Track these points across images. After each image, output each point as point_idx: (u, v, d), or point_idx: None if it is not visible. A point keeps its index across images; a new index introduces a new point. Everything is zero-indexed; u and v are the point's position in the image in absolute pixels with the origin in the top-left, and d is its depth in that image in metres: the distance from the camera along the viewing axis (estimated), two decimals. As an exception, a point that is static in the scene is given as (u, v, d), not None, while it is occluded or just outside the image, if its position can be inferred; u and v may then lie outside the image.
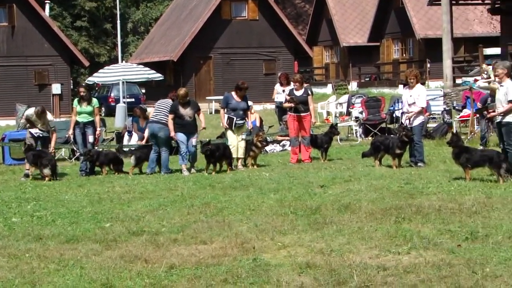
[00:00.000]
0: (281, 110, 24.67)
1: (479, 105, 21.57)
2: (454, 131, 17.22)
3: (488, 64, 37.98)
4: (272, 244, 10.24)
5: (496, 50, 40.41)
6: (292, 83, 21.17)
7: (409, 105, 17.88)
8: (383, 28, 55.58)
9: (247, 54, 51.30)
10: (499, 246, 9.35)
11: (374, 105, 25.95)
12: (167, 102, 19.42)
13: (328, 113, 31.94)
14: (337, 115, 30.19)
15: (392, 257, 9.16)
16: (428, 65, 48.56)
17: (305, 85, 20.82)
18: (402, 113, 19.02)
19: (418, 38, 51.45)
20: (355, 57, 57.71)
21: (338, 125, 23.88)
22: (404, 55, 55.08)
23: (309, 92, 20.39)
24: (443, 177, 15.50)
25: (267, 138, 21.65)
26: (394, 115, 25.36)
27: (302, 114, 19.67)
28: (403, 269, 8.57)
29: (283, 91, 24.17)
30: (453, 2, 36.43)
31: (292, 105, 19.66)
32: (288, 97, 20.07)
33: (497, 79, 16.11)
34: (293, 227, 11.20)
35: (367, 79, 55.81)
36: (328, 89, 55.80)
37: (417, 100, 17.68)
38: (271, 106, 34.85)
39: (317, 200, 13.27)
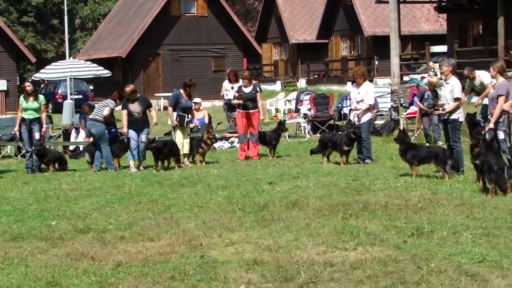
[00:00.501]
0: (229, 107, 24.66)
1: (416, 99, 21.84)
2: (401, 128, 17.38)
3: (435, 62, 38.44)
4: (220, 241, 10.23)
5: (443, 48, 40.84)
6: (240, 80, 21.18)
7: (357, 102, 17.99)
8: (331, 25, 55.87)
9: (196, 51, 51.14)
10: (444, 242, 9.45)
11: (322, 102, 26.10)
12: (107, 101, 19.50)
13: (277, 110, 31.99)
14: (286, 112, 30.25)
15: (339, 253, 9.20)
16: (376, 62, 48.97)
17: (253, 82, 20.84)
18: (350, 110, 19.13)
19: (366, 36, 51.82)
20: (304, 54, 57.94)
21: (287, 122, 23.96)
22: (352, 52, 55.43)
23: (258, 89, 20.46)
24: (390, 174, 15.63)
25: (216, 135, 21.64)
26: (342, 112, 25.54)
27: (250, 111, 19.71)
28: (349, 265, 8.62)
29: (232, 88, 24.15)
30: (401, 0, 36.71)
31: (241, 102, 19.68)
32: (236, 94, 20.09)
33: (443, 76, 16.30)
34: (241, 224, 11.20)
35: (316, 76, 56.04)
36: (277, 86, 55.93)
37: (365, 97, 17.81)
38: (219, 103, 34.81)
39: (265, 197, 13.29)
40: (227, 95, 24.70)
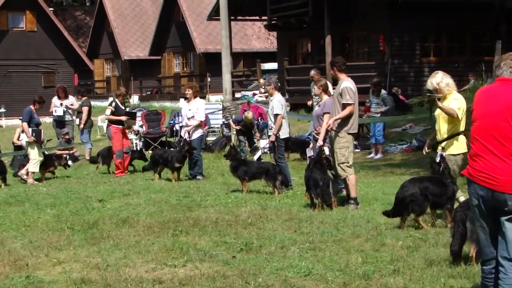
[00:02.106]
0: (58, 123, 24.24)
1: (232, 121, 22.27)
2: (232, 145, 17.54)
3: (265, 79, 39.16)
4: (47, 260, 9.97)
5: (274, 65, 41.71)
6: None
7: (188, 118, 18.06)
8: (164, 42, 55.88)
9: (25, 66, 49.87)
10: (272, 256, 9.59)
11: (154, 118, 26.00)
12: None
13: (109, 127, 31.57)
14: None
15: (168, 270, 9.17)
16: (209, 79, 49.34)
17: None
18: (181, 126, 19.18)
19: (198, 53, 52.15)
20: (136, 70, 57.69)
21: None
22: (185, 69, 55.64)
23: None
24: (221, 190, 15.76)
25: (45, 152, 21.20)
26: (174, 129, 25.53)
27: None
28: (178, 281, 8.59)
29: (61, 104, 23.81)
30: (232, 17, 37.18)
31: (124, 118, 19.53)
32: (113, 109, 19.88)
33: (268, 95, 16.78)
34: (69, 242, 10.97)
35: (149, 92, 55.85)
36: (109, 102, 55.30)
37: (195, 113, 17.90)
38: (49, 119, 34.05)
39: (95, 215, 13.10)
40: (55, 112, 24.24)
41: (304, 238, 10.68)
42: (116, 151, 19.64)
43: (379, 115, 21.40)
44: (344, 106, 13.17)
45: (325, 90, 14.72)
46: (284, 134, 15.82)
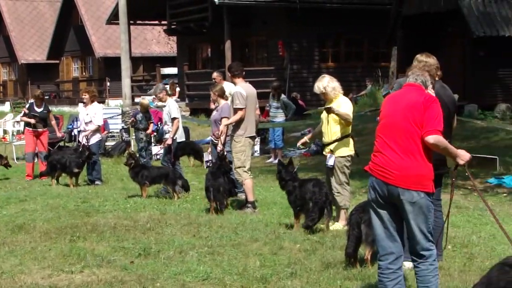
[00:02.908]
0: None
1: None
2: (130, 152, 17.36)
3: (165, 84, 39.04)
4: None
5: (173, 70, 41.64)
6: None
7: (86, 123, 17.86)
8: (62, 45, 55.07)
9: None
10: (170, 261, 9.57)
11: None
12: None
13: (5, 132, 31.03)
14: (14, 133, 29.40)
15: (65, 276, 9.03)
16: (108, 83, 48.85)
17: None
18: (79, 131, 18.95)
19: (97, 57, 51.57)
20: (34, 74, 56.63)
21: (14, 144, 23.30)
22: (84, 73, 54.97)
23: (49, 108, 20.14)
24: (120, 195, 15.64)
25: None
26: (72, 134, 25.18)
27: (39, 130, 19.40)
28: (75, 287, 8.50)
29: None
30: (131, 22, 36.93)
31: (33, 121, 19.13)
32: (27, 111, 19.55)
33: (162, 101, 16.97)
34: (-37, 250, 10.70)
35: (47, 97, 54.84)
36: (6, 107, 54.19)
37: (93, 118, 17.71)
38: None
39: (-10, 222, 12.82)
40: None
41: (202, 242, 10.69)
42: (26, 153, 19.62)
43: (282, 119, 21.55)
44: (235, 111, 13.29)
45: (221, 95, 14.88)
46: (180, 138, 15.94)
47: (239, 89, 13.34)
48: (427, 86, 7.12)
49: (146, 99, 21.78)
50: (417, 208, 6.82)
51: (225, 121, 13.86)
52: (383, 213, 6.98)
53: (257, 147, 19.63)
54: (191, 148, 20.95)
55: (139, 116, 20.23)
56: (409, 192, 6.79)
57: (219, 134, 13.76)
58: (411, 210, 6.83)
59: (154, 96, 37.87)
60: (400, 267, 7.07)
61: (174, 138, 15.91)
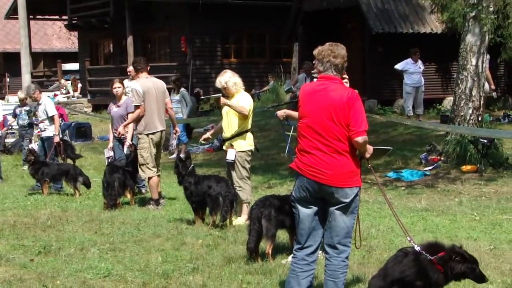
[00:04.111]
0: None
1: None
2: (30, 148, 17.06)
3: (67, 80, 38.57)
4: None
5: (75, 66, 41.12)
6: None
7: None
8: (-41, 40, 53.73)
9: None
10: (71, 258, 9.47)
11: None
12: None
13: None
14: None
15: (-39, 276, 8.87)
16: (8, 79, 47.88)
17: None
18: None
19: (-3, 52, 50.57)
20: None
21: None
22: (-18, 68, 53.75)
23: None
24: (20, 192, 15.45)
25: None
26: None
27: None
28: (-30, 288, 8.35)
29: None
30: (31, 16, 36.30)
31: None
32: None
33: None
34: None
35: None
36: None
37: None
38: None
39: None
40: None
41: (104, 239, 10.63)
42: None
43: (184, 116, 21.42)
44: (134, 108, 13.26)
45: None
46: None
47: (136, 86, 13.25)
48: (342, 75, 7.08)
49: (22, 94, 21.12)
50: (349, 205, 6.92)
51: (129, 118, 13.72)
52: (312, 209, 7.03)
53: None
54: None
55: (18, 110, 20.06)
56: (343, 190, 6.87)
57: (119, 135, 13.79)
58: (342, 207, 6.91)
59: (54, 92, 37.50)
60: (314, 261, 7.16)
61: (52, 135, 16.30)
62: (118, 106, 14.82)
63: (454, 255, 6.83)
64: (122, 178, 13.45)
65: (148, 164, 13.15)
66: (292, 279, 7.13)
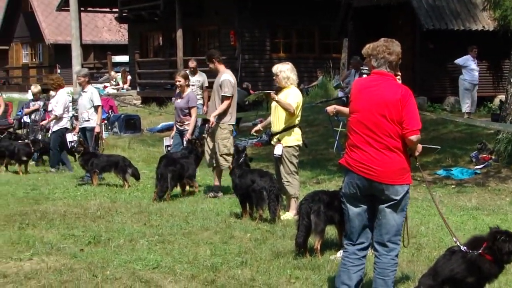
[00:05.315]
0: None
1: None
2: (80, 139, 17.07)
3: (117, 72, 38.81)
4: None
5: (125, 58, 41.35)
6: None
7: (49, 111, 17.74)
8: (11, 31, 54.38)
9: None
10: (120, 249, 9.55)
11: (1, 110, 25.25)
12: None
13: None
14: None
15: (14, 264, 8.96)
16: (59, 70, 48.34)
17: None
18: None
19: (48, 44, 51.03)
20: (-18, 60, 55.92)
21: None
22: (34, 60, 54.34)
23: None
24: (70, 183, 15.59)
25: None
26: (22, 121, 24.89)
27: None
28: (24, 275, 8.42)
29: None
30: (82, 9, 36.61)
31: None
32: None
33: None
34: None
35: (-4, 83, 54.26)
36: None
37: (54, 107, 17.35)
38: None
39: None
40: None
41: (153, 231, 10.69)
42: None
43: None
44: (223, 98, 13.36)
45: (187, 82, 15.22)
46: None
47: (228, 77, 13.50)
48: (396, 72, 7.05)
49: (37, 87, 21.27)
50: (399, 202, 6.88)
51: (213, 113, 13.67)
52: (362, 206, 7.00)
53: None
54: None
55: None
56: (393, 187, 6.83)
57: (211, 125, 13.71)
58: (392, 204, 6.88)
59: (104, 84, 37.77)
60: (365, 256, 7.13)
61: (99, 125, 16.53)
62: (181, 98, 14.96)
63: (498, 235, 6.81)
64: (177, 171, 13.50)
65: (230, 154, 13.20)
66: (343, 273, 7.10)
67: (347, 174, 7.06)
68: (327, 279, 8.09)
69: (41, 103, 19.98)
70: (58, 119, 17.35)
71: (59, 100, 17.35)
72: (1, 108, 19.86)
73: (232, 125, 13.71)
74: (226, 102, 13.39)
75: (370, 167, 6.84)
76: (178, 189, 14.03)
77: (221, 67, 13.72)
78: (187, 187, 14.16)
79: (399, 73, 7.26)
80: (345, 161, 7.07)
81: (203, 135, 14.14)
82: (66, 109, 17.24)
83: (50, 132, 17.91)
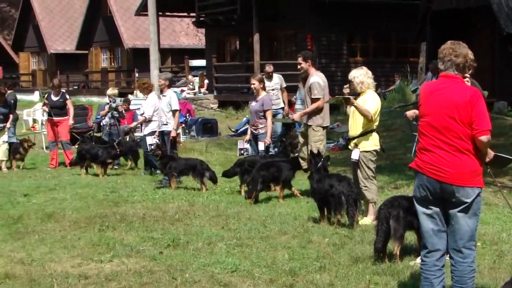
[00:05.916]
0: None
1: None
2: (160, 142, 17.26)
3: (194, 76, 39.12)
4: (-30, 255, 9.81)
5: (202, 62, 41.64)
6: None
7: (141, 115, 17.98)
8: (91, 36, 55.32)
9: None
10: (199, 252, 9.62)
11: (81, 113, 25.69)
12: None
13: (34, 121, 31.24)
14: (44, 122, 29.54)
15: (95, 266, 9.11)
16: (136, 74, 48.96)
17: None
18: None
19: (126, 48, 51.75)
20: (63, 64, 56.95)
21: (44, 133, 23.50)
22: (112, 64, 55.16)
23: (67, 96, 20.16)
24: (148, 186, 15.72)
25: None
26: (102, 124, 25.27)
27: (55, 118, 19.62)
28: (104, 277, 8.55)
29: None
30: (160, 13, 37.02)
31: (46, 109, 19.69)
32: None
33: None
34: (-6, 237, 10.82)
35: (76, 87, 55.21)
36: (35, 96, 54.48)
37: (145, 109, 17.56)
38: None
39: (20, 209, 12.95)
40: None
41: (231, 234, 10.72)
42: (49, 142, 20.15)
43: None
44: (312, 100, 13.40)
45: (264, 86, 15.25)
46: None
47: (317, 79, 13.55)
48: (464, 74, 6.97)
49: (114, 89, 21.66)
50: (471, 206, 6.80)
51: (269, 113, 13.81)
52: (434, 210, 6.94)
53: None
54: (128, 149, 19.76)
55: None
56: (464, 189, 6.75)
57: (299, 120, 13.86)
58: (464, 208, 6.80)
59: (182, 88, 38.12)
60: (444, 265, 7.06)
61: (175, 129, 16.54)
62: (256, 101, 15.07)
63: None
64: (269, 177, 13.59)
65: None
66: (426, 287, 7.03)
67: (417, 176, 7.02)
68: (407, 285, 8.00)
69: (113, 105, 20.18)
70: (148, 121, 17.54)
71: (149, 103, 17.60)
72: (71, 111, 20.05)
73: (325, 127, 13.69)
74: (316, 103, 13.42)
75: (440, 168, 6.78)
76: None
77: (312, 70, 13.78)
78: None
79: (468, 75, 7.16)
80: (415, 165, 7.04)
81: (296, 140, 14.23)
82: (156, 112, 17.39)
83: (135, 134, 18.19)
